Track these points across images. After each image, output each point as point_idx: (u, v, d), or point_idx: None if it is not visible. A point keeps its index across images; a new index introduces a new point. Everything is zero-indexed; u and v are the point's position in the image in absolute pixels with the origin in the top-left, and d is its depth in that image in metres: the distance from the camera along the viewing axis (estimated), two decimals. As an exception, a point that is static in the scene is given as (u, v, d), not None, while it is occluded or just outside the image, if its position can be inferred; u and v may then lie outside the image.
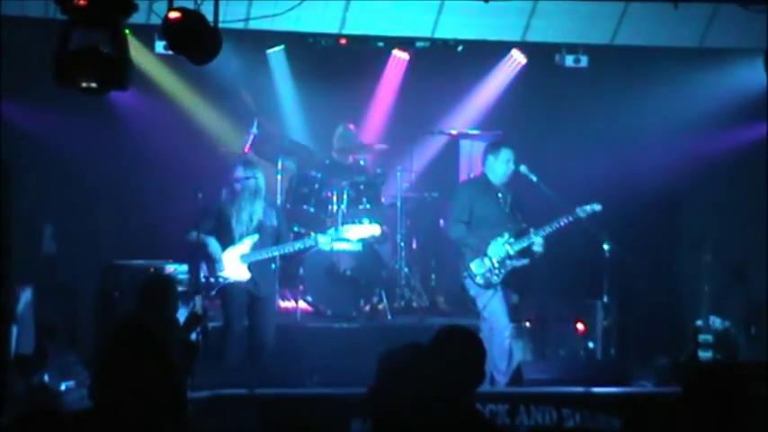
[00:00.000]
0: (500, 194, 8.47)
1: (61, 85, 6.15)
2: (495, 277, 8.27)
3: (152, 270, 9.07)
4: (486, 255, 8.27)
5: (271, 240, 8.47)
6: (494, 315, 8.27)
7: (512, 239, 8.31)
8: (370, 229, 9.11)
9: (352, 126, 10.81)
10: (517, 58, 11.18)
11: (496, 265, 8.27)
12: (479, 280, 8.26)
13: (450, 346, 4.10)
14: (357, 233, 8.93)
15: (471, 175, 9.52)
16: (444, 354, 4.07)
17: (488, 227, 8.34)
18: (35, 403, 7.46)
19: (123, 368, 3.55)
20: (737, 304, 10.11)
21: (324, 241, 8.78)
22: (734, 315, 9.76)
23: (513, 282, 8.48)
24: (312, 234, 9.10)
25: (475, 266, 8.28)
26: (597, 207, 8.42)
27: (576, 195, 8.70)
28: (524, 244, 8.33)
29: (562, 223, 8.36)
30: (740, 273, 10.39)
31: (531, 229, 8.36)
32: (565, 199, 8.49)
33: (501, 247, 8.28)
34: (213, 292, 8.37)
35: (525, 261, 8.37)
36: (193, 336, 7.87)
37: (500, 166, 8.45)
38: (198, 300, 8.13)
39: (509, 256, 8.30)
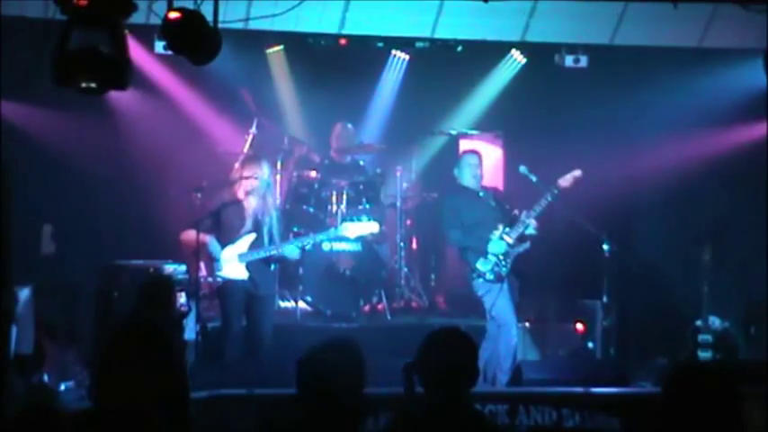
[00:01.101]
0: (481, 194, 8.64)
1: (60, 86, 6.14)
2: (504, 269, 8.39)
3: (151, 270, 9.06)
4: (488, 252, 8.35)
5: (269, 239, 8.45)
6: (502, 313, 8.38)
7: (507, 229, 8.44)
8: (369, 227, 9.08)
9: (350, 125, 10.82)
10: (517, 59, 11.19)
11: (501, 258, 8.35)
12: (490, 276, 8.38)
13: (438, 348, 4.11)
14: (355, 231, 8.91)
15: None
16: (434, 357, 4.08)
17: (482, 227, 8.46)
18: (34, 403, 7.46)
19: (132, 367, 3.54)
20: (737, 304, 10.11)
21: (290, 250, 8.57)
22: (733, 315, 9.77)
23: (515, 282, 8.52)
24: (314, 232, 9.05)
25: (481, 265, 8.39)
26: (577, 173, 8.48)
27: (575, 195, 8.70)
28: (520, 230, 8.45)
29: (549, 199, 8.42)
30: (740, 273, 10.39)
31: (524, 212, 8.43)
32: (564, 199, 8.49)
33: (500, 241, 8.39)
34: (211, 291, 8.35)
35: (527, 245, 8.47)
36: (192, 335, 7.89)
37: (466, 171, 8.69)
38: (183, 296, 8.12)
39: (510, 246, 8.37)
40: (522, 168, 8.58)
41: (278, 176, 10.22)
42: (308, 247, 8.97)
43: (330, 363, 3.88)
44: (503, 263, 8.37)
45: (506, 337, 8.30)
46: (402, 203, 10.48)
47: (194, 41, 6.61)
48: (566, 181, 8.45)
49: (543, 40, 10.62)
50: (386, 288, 10.07)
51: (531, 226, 8.44)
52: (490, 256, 8.36)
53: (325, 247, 9.57)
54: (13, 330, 7.91)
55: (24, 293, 8.35)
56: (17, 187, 7.96)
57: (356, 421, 3.87)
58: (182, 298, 8.16)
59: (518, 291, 8.62)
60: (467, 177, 8.70)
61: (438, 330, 4.25)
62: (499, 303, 8.33)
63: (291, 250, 8.56)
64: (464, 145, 11.34)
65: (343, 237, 9.03)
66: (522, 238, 8.45)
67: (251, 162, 8.62)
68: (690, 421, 3.60)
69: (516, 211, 8.54)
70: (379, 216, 10.07)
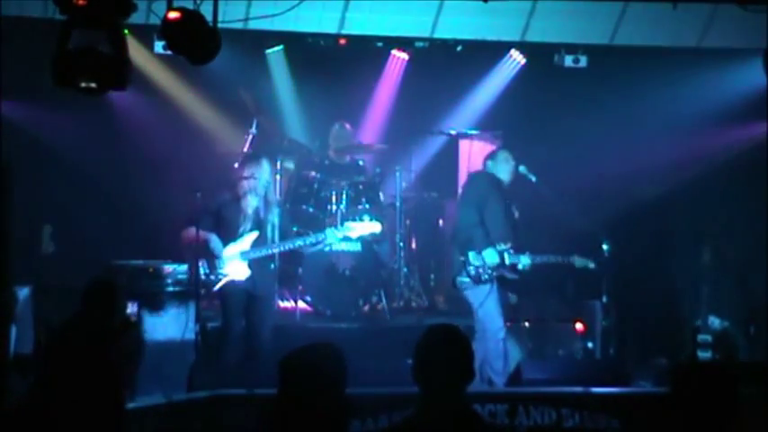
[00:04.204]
0: (513, 206, 8.48)
1: (60, 86, 6.15)
2: (486, 275, 8.25)
3: (151, 270, 9.04)
4: (482, 254, 8.24)
5: (271, 237, 8.43)
6: (488, 315, 8.25)
7: (510, 251, 8.29)
8: (372, 227, 9.07)
9: (348, 125, 10.82)
10: (516, 59, 11.20)
11: (490, 267, 8.25)
12: (472, 271, 8.22)
13: (436, 344, 4.08)
14: (359, 231, 8.90)
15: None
16: (431, 353, 4.04)
17: (496, 222, 8.31)
18: (34, 402, 7.44)
19: (64, 370, 3.53)
20: (737, 304, 10.12)
21: (331, 235, 8.65)
22: (733, 315, 9.77)
23: (512, 282, 8.47)
24: (313, 231, 9.01)
25: (472, 257, 8.25)
26: (591, 264, 8.47)
27: (575, 195, 8.69)
28: (515, 260, 8.31)
29: (554, 261, 8.41)
30: (740, 273, 10.39)
31: (527, 252, 8.34)
32: (564, 199, 8.49)
33: (497, 254, 8.25)
34: (214, 289, 8.33)
35: (515, 276, 8.36)
36: (192, 335, 7.87)
37: (502, 166, 8.47)
38: (132, 306, 8.07)
39: (502, 265, 8.27)
40: (522, 168, 8.54)
41: (278, 176, 10.21)
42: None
43: (310, 364, 3.84)
44: (488, 270, 8.26)
45: (494, 339, 8.21)
46: (401, 203, 10.46)
47: (194, 41, 6.62)
48: (579, 263, 8.44)
49: (543, 40, 10.63)
50: (385, 288, 10.07)
51: (525, 263, 8.31)
52: (480, 259, 8.29)
53: (325, 247, 9.56)
54: (13, 330, 7.91)
55: (24, 293, 8.36)
56: (17, 187, 7.96)
57: (340, 424, 3.84)
58: (132, 307, 8.05)
59: (514, 291, 8.55)
60: (503, 172, 8.46)
61: (432, 327, 4.22)
62: (487, 305, 8.23)
63: (332, 234, 8.59)
64: (464, 145, 11.35)
65: (346, 236, 9.01)
66: (514, 269, 8.35)
67: (250, 161, 8.59)
68: (698, 420, 3.62)
69: (521, 244, 8.42)
70: (378, 216, 10.07)
